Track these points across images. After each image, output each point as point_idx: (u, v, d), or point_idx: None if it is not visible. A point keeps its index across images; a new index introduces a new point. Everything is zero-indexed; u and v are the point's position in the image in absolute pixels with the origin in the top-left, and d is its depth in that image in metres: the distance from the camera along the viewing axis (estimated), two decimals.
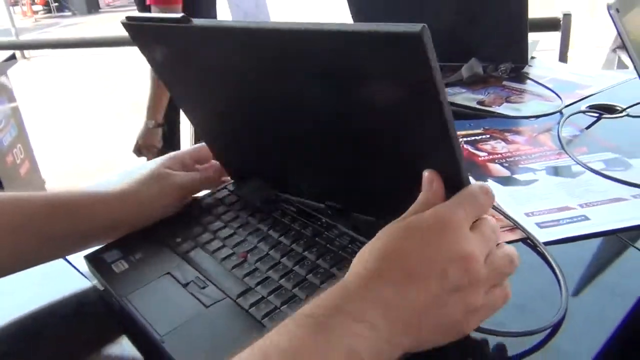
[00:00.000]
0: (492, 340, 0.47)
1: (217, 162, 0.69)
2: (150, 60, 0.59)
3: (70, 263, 0.64)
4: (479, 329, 0.47)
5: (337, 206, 0.58)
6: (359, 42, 0.39)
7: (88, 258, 0.60)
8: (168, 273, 0.56)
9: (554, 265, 0.55)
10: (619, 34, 0.68)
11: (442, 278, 0.40)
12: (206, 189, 0.69)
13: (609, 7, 0.66)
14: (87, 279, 0.61)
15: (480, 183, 0.45)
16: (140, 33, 0.55)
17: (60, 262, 0.62)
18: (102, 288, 0.59)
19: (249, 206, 0.64)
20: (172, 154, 0.67)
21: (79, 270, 0.63)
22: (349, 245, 0.54)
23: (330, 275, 0.51)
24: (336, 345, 0.37)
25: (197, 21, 0.48)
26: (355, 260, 0.42)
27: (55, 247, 0.58)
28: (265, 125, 0.58)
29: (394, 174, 0.50)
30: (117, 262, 0.58)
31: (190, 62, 0.56)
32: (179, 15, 0.48)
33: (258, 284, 0.52)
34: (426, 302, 0.39)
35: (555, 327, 0.48)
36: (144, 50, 0.57)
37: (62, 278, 0.63)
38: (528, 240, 0.60)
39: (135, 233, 0.62)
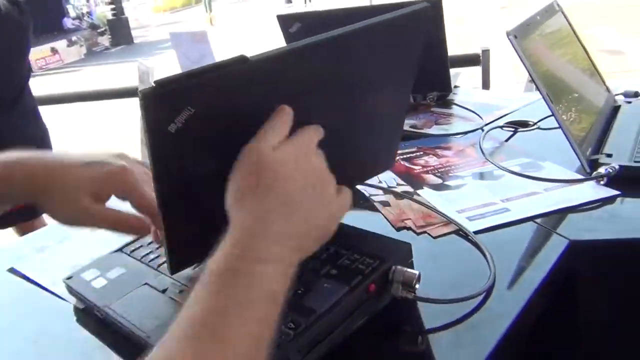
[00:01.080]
0: (439, 308, 0.56)
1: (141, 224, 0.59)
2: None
3: (45, 288, 0.68)
4: (428, 299, 0.56)
5: None
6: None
7: (67, 279, 0.65)
8: (146, 284, 0.61)
9: (482, 247, 0.65)
10: (518, 56, 0.80)
11: (312, 193, 0.45)
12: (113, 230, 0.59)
13: (508, 34, 0.79)
14: (66, 300, 0.66)
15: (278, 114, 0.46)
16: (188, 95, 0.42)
17: (33, 288, 0.67)
18: (82, 306, 0.64)
19: None
20: (130, 168, 0.58)
21: (54, 294, 0.67)
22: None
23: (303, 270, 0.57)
24: (257, 292, 0.40)
25: (253, 58, 0.44)
26: (232, 209, 0.44)
27: None
28: None
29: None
30: (96, 279, 0.64)
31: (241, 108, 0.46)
32: (237, 56, 0.43)
33: None
34: (307, 219, 0.45)
35: (487, 293, 0.58)
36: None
37: (38, 302, 0.67)
38: (460, 231, 0.70)
39: (111, 253, 0.68)
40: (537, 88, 0.82)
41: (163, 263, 0.64)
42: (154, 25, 17.07)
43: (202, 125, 0.43)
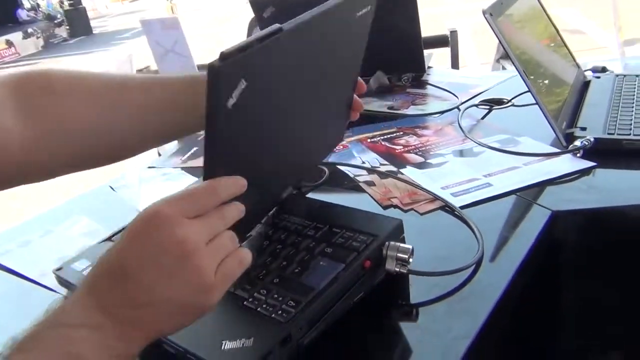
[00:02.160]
0: (430, 281, 0.58)
1: None
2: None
3: (33, 281, 0.67)
4: (421, 272, 0.57)
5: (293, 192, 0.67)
6: None
7: (57, 270, 0.64)
8: None
9: (469, 222, 0.67)
10: (494, 33, 0.82)
11: (157, 268, 0.40)
12: None
13: (484, 12, 0.80)
14: (57, 292, 0.65)
15: (205, 183, 0.45)
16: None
17: (20, 281, 0.66)
18: None
19: None
20: None
21: (43, 285, 0.67)
22: (294, 225, 0.62)
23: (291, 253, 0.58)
24: (53, 354, 0.38)
25: (285, 26, 0.46)
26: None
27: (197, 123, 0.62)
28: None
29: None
30: (87, 269, 0.63)
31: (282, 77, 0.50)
32: (273, 26, 0.44)
33: None
34: (145, 293, 0.40)
35: (477, 265, 0.59)
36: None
37: (27, 295, 0.66)
38: (446, 207, 0.71)
39: (100, 243, 0.67)
40: (514, 65, 0.84)
41: None
42: (113, 15, 16.65)
43: (252, 99, 0.44)
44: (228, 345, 0.47)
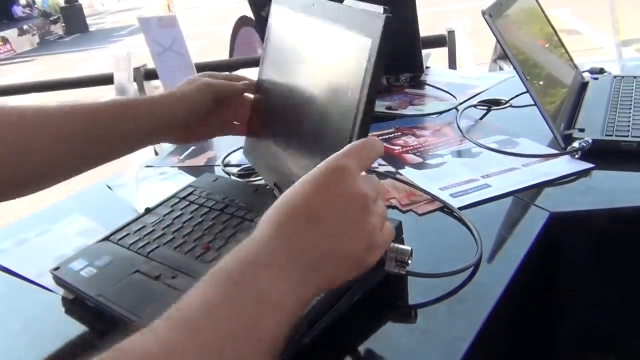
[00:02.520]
0: (429, 282, 0.57)
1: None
2: None
3: (30, 280, 0.67)
4: (420, 274, 0.57)
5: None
6: None
7: (54, 270, 0.64)
8: (137, 271, 0.61)
9: (467, 223, 0.67)
10: (494, 34, 0.82)
11: (344, 217, 0.43)
12: (235, 89, 0.78)
13: (483, 13, 0.80)
14: (54, 292, 0.65)
15: (368, 140, 0.48)
16: None
17: (17, 280, 0.66)
18: (71, 296, 0.63)
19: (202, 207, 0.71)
20: (209, 72, 0.79)
21: (40, 285, 0.66)
22: None
23: None
24: (245, 291, 0.39)
25: None
26: (261, 219, 0.44)
27: (123, 146, 0.69)
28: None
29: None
30: (84, 269, 0.63)
31: None
32: None
33: None
34: (330, 241, 0.42)
35: (476, 266, 0.59)
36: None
37: (24, 295, 0.66)
38: (445, 208, 0.71)
39: (98, 242, 0.67)
40: (514, 66, 0.84)
41: (152, 250, 0.64)
42: (109, 12, 16.59)
43: None
44: None
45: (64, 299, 0.63)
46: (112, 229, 0.70)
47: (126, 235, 0.67)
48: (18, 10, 12.60)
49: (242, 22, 2.71)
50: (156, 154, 1.34)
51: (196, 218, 0.69)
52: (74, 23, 12.81)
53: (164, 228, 0.68)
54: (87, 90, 2.91)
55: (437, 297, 0.57)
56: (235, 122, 0.82)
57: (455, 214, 0.70)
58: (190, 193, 0.75)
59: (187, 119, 0.73)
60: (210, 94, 0.74)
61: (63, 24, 12.89)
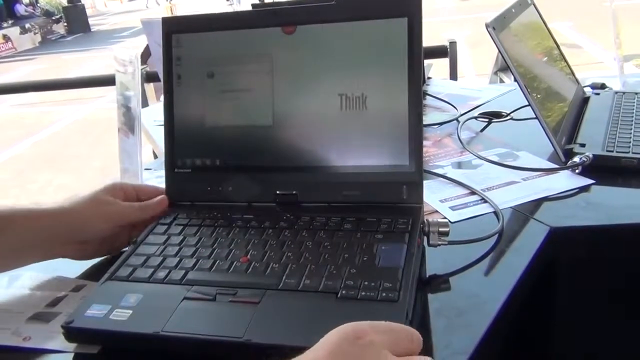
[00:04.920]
0: (426, 295, 0.57)
1: (161, 197, 0.69)
2: None
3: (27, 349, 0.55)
4: (458, 242, 0.62)
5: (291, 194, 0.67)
6: None
7: (67, 324, 0.53)
8: (185, 298, 0.54)
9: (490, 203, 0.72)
10: (497, 48, 0.82)
11: None
12: (144, 217, 0.67)
13: (487, 25, 0.80)
14: (67, 351, 0.54)
15: (407, 329, 0.43)
16: None
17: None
18: (96, 350, 0.53)
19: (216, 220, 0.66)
20: (116, 183, 0.69)
21: (45, 350, 0.55)
22: (316, 223, 0.62)
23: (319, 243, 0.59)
24: None
25: None
26: None
27: None
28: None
29: None
30: (111, 313, 0.53)
31: None
32: None
33: (285, 270, 0.55)
34: None
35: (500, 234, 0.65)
36: None
37: None
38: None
39: (100, 287, 0.58)
40: (515, 79, 0.84)
41: (184, 277, 0.57)
42: (112, 13, 16.61)
43: None
44: None
45: (80, 356, 0.53)
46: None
47: (134, 269, 0.59)
48: (21, 9, 12.62)
49: None
50: (155, 156, 1.34)
51: (207, 237, 0.63)
52: (76, 23, 12.84)
53: (176, 254, 0.61)
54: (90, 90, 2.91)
55: (436, 310, 0.56)
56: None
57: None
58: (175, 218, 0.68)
59: (76, 237, 0.64)
60: (107, 220, 0.64)
61: (65, 24, 12.91)
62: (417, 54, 0.64)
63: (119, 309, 0.54)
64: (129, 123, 0.83)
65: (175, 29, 0.71)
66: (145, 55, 2.10)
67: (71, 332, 0.53)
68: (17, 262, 0.63)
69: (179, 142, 0.71)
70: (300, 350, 0.40)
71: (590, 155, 0.79)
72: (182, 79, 0.71)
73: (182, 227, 0.66)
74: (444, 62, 2.18)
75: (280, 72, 0.68)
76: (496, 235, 0.66)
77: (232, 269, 0.57)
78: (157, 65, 1.32)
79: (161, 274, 0.58)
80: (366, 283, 0.52)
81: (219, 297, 0.54)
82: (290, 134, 0.68)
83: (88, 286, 0.64)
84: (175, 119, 0.71)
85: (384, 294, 0.51)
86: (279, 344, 0.47)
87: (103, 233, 0.65)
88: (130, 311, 0.53)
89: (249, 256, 0.59)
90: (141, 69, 2.15)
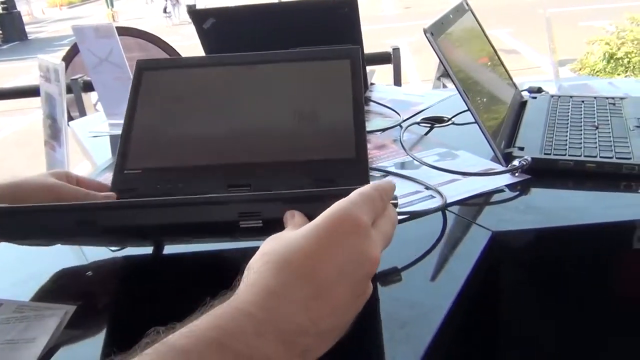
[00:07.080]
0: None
1: (110, 193, 0.68)
2: None
3: None
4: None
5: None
6: None
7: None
8: None
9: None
10: (435, 52, 0.82)
11: (349, 285, 0.37)
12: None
13: (425, 31, 0.80)
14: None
15: (375, 187, 0.43)
16: None
17: None
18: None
19: None
20: (62, 170, 0.70)
21: None
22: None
23: None
24: None
25: None
26: (249, 277, 0.36)
27: None
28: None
29: None
30: None
31: None
32: None
33: None
34: (331, 318, 0.36)
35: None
36: None
37: None
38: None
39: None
40: (454, 84, 0.84)
41: None
42: (50, 21, 16.06)
43: None
44: None
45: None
46: None
47: None
48: None
49: None
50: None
51: None
52: (12, 31, 12.33)
53: None
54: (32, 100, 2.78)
55: (379, 322, 0.55)
56: None
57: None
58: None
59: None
60: (52, 196, 0.63)
61: (0, 32, 12.38)
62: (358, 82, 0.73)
63: None
64: (55, 135, 0.78)
65: (144, 66, 0.78)
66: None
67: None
68: None
69: (134, 147, 0.73)
70: None
71: (529, 159, 0.80)
72: (144, 99, 0.76)
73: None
74: (389, 68, 2.20)
75: (238, 94, 0.75)
76: (439, 233, 0.67)
77: None
78: (90, 74, 1.26)
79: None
80: None
81: None
82: (245, 139, 0.72)
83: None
84: (134, 127, 0.74)
85: None
86: None
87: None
88: None
89: None
90: (77, 78, 2.07)
